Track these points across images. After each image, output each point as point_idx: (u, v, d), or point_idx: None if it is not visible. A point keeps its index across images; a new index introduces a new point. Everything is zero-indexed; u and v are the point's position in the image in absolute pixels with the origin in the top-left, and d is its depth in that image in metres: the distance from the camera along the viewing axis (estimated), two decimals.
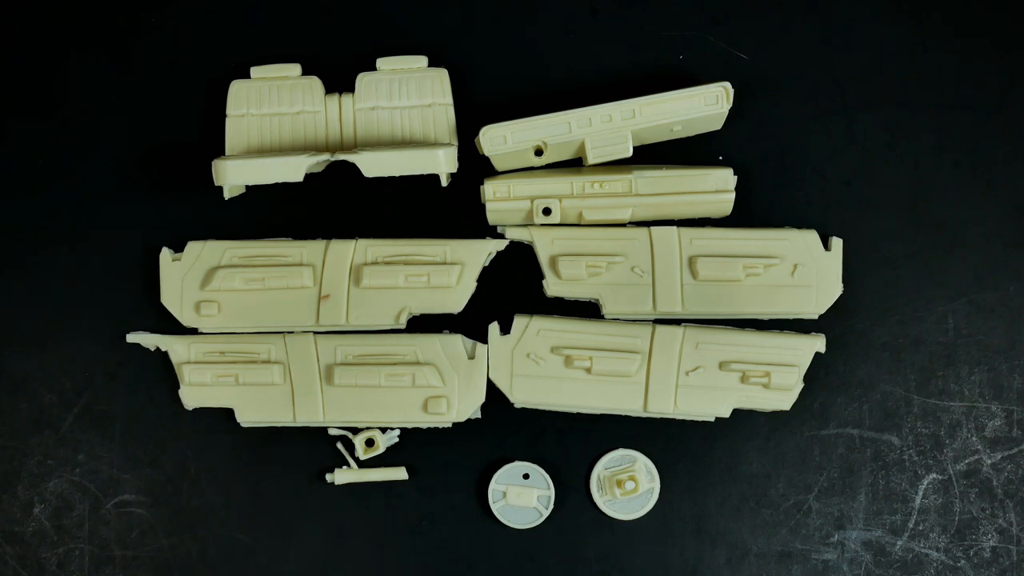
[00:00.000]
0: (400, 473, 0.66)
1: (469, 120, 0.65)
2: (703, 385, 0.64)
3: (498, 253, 0.66)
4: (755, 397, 0.64)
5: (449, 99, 0.66)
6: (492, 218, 0.65)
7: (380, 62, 0.66)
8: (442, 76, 0.66)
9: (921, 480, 0.65)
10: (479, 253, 0.65)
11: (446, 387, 0.65)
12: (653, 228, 0.65)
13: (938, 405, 0.65)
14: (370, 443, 0.66)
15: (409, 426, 0.66)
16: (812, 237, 0.65)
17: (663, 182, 0.64)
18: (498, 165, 0.64)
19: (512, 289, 0.66)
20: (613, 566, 0.66)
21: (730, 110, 0.63)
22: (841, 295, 0.65)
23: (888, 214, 0.66)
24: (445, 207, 0.67)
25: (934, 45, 0.66)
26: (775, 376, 0.63)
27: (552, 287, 0.65)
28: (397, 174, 0.62)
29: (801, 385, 0.64)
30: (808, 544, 0.65)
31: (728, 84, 0.62)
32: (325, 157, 0.62)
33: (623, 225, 0.65)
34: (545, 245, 0.65)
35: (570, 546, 0.66)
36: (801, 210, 0.66)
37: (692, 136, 0.66)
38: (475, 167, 0.65)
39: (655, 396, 0.64)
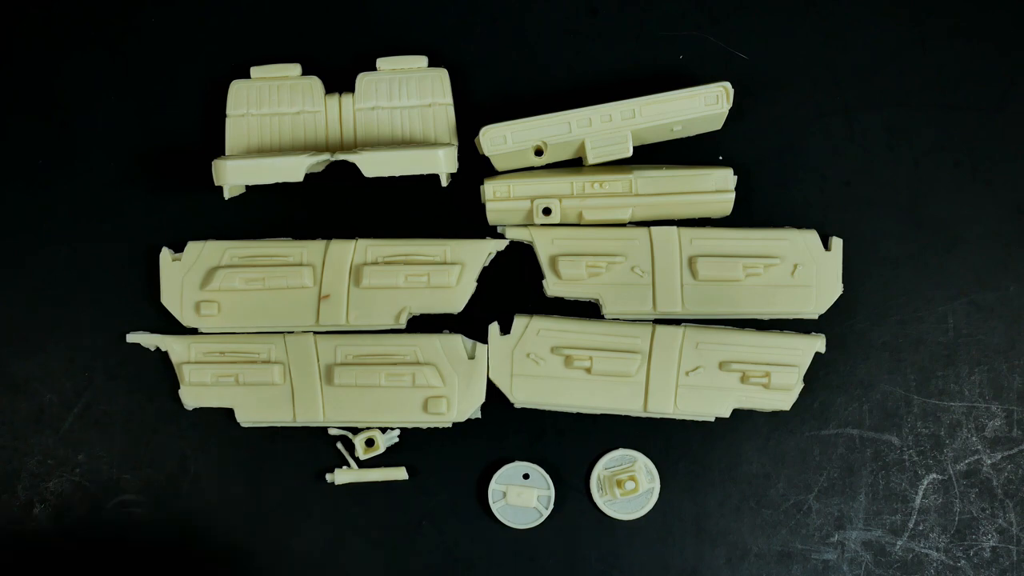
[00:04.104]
0: (400, 473, 0.66)
1: (469, 120, 0.65)
2: (703, 385, 0.64)
3: (498, 253, 0.66)
4: (755, 397, 0.64)
5: (449, 99, 0.66)
6: (492, 218, 0.65)
7: (380, 62, 0.66)
8: (442, 76, 0.66)
9: (921, 480, 0.65)
10: (479, 253, 0.65)
11: (446, 387, 0.65)
12: (653, 228, 0.65)
13: (938, 405, 0.65)
14: (370, 443, 0.66)
15: (409, 426, 0.66)
16: (812, 237, 0.65)
17: (663, 182, 0.64)
18: (498, 165, 0.64)
19: (512, 289, 0.66)
20: (613, 566, 0.66)
21: (730, 110, 0.63)
22: (841, 295, 0.65)
23: (888, 214, 0.66)
24: (445, 207, 0.67)
25: (934, 45, 0.66)
26: (775, 376, 0.63)
27: (552, 287, 0.65)
28: (397, 174, 0.62)
29: (801, 385, 0.64)
30: (808, 544, 0.65)
31: (728, 84, 0.62)
32: (325, 157, 0.62)
33: (623, 225, 0.65)
34: (545, 245, 0.65)
35: (570, 546, 0.66)
36: (801, 210, 0.66)
37: (692, 136, 0.66)
38: (475, 167, 0.65)
39: (655, 396, 0.64)
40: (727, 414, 0.64)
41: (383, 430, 0.66)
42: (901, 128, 0.66)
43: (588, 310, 0.66)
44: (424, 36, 0.68)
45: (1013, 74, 0.66)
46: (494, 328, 0.65)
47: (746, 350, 0.64)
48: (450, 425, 0.65)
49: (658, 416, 0.65)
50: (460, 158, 0.65)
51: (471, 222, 0.66)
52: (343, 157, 0.62)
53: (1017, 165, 0.66)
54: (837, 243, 0.65)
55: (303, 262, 0.66)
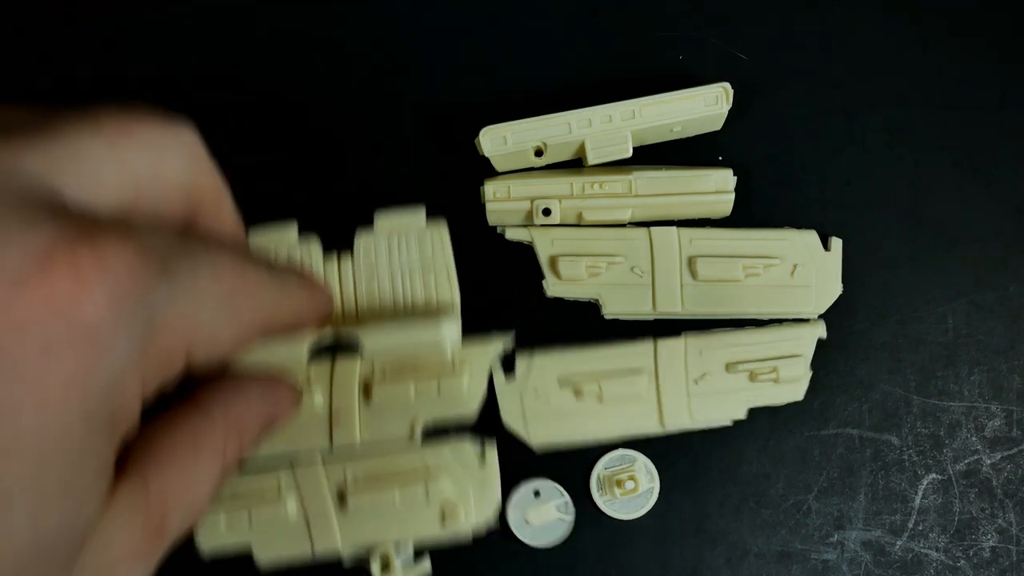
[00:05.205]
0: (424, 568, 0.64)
1: (469, 120, 0.65)
2: (713, 391, 0.64)
3: (498, 253, 0.66)
4: (767, 393, 0.64)
5: (449, 251, 0.64)
6: (492, 219, 0.65)
7: (378, 220, 0.64)
8: (441, 230, 0.64)
9: (921, 480, 0.66)
10: (485, 355, 0.64)
11: (460, 496, 0.63)
12: (653, 228, 0.65)
13: (938, 405, 0.66)
14: (386, 566, 0.63)
15: (428, 542, 0.63)
16: (812, 237, 0.65)
17: (663, 183, 0.64)
18: (498, 166, 0.64)
19: (512, 289, 0.66)
20: (613, 566, 0.66)
21: (730, 110, 0.63)
22: (841, 295, 0.65)
23: (888, 214, 0.66)
24: (445, 207, 0.66)
25: (934, 45, 0.66)
26: (783, 369, 0.63)
27: (552, 287, 0.65)
28: (400, 348, 0.60)
29: (810, 373, 0.64)
30: (808, 544, 0.66)
31: (728, 84, 0.62)
32: (328, 334, 0.59)
33: (623, 225, 0.65)
34: (545, 245, 0.65)
35: (570, 546, 0.66)
36: (801, 210, 0.66)
37: (692, 136, 0.66)
38: (475, 167, 0.65)
39: (669, 411, 0.64)
40: (743, 415, 0.64)
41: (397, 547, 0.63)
42: (901, 128, 0.66)
43: (588, 310, 0.66)
44: (424, 36, 0.67)
45: (1013, 74, 0.66)
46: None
47: (749, 348, 0.64)
48: (470, 540, 0.63)
49: (677, 431, 0.64)
50: (460, 158, 0.64)
51: (471, 222, 0.66)
52: (345, 332, 0.59)
53: (1017, 165, 0.66)
54: (837, 243, 0.65)
55: (311, 380, 0.63)
